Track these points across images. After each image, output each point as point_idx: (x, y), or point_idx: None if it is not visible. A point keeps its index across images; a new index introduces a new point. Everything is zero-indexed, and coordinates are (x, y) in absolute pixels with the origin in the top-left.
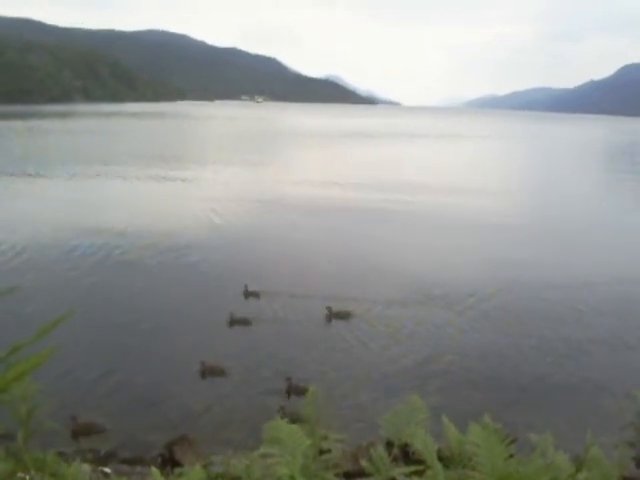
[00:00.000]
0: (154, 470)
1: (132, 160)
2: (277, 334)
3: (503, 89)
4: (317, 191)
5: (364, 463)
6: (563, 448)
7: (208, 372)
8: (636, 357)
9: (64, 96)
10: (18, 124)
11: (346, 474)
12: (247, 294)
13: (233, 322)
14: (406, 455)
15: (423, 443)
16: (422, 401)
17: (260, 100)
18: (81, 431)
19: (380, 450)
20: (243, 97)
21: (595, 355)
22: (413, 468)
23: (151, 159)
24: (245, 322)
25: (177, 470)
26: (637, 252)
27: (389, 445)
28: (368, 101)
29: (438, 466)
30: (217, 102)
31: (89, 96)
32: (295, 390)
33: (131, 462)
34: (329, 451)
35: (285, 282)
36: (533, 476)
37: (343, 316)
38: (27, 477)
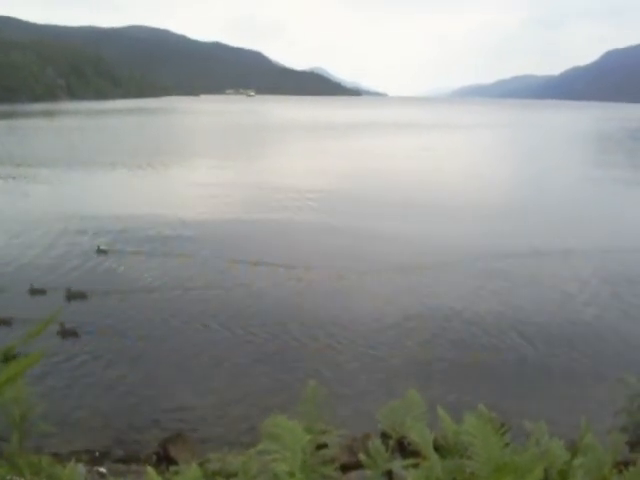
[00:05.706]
0: (149, 469)
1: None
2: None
3: (489, 78)
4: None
5: (361, 456)
6: (557, 435)
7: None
8: (627, 341)
9: (48, 94)
10: (3, 123)
11: (342, 467)
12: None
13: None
14: (402, 447)
15: (420, 435)
16: (419, 395)
17: (252, 94)
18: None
19: (377, 443)
20: (228, 91)
21: (587, 340)
22: (411, 461)
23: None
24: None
25: (173, 468)
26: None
27: (385, 437)
28: (354, 92)
29: (435, 457)
30: (203, 97)
31: (73, 94)
32: (73, 295)
33: (126, 461)
34: (326, 446)
35: None
36: (529, 464)
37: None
38: None
